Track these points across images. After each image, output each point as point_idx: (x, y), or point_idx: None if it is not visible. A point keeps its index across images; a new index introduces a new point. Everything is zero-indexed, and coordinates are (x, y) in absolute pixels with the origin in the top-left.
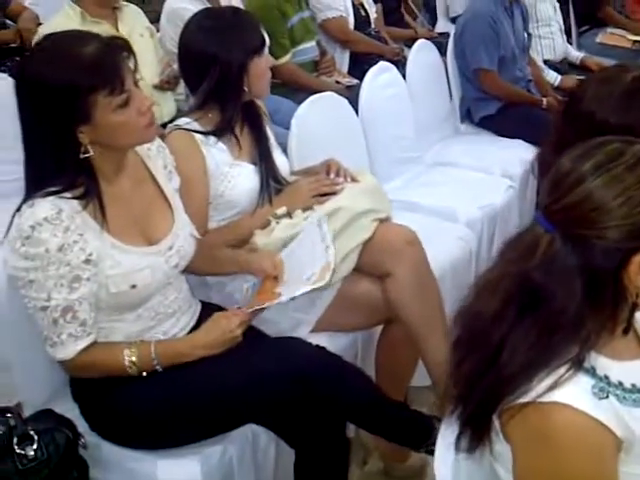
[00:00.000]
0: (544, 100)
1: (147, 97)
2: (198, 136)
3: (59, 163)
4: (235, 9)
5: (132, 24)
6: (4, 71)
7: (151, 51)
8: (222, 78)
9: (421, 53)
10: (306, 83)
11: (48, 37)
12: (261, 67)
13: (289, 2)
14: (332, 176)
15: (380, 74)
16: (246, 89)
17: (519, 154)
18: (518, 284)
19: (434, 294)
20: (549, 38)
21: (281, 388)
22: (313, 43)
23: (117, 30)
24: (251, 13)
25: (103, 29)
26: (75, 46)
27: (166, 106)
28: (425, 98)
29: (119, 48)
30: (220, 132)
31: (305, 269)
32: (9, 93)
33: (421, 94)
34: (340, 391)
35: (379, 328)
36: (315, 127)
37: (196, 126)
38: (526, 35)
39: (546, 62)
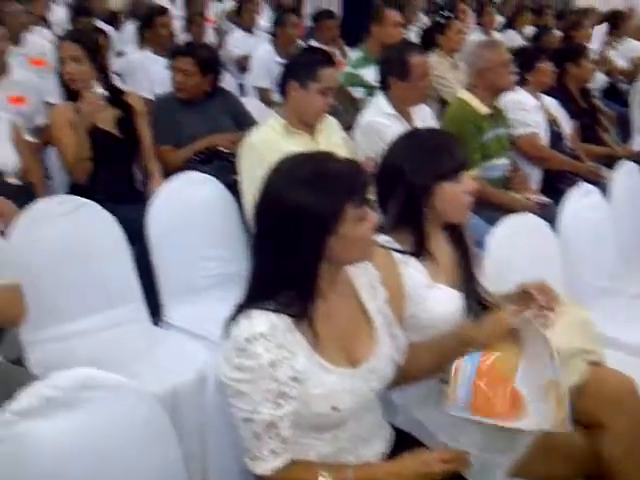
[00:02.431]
0: None
1: (375, 214)
2: (397, 255)
3: (292, 277)
4: (437, 131)
5: (329, 135)
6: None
7: None
8: (408, 199)
9: (626, 175)
10: (495, 199)
11: (291, 158)
12: (452, 192)
13: (486, 118)
14: (541, 300)
15: (582, 196)
16: (430, 212)
17: None
18: None
19: None
20: None
21: None
22: (505, 160)
23: (316, 141)
24: (455, 138)
25: (303, 140)
26: (325, 163)
27: None
28: (630, 224)
29: (359, 165)
30: (417, 252)
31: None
32: (217, 195)
33: (626, 219)
34: None
35: None
36: (510, 248)
37: (395, 245)
38: None
39: None
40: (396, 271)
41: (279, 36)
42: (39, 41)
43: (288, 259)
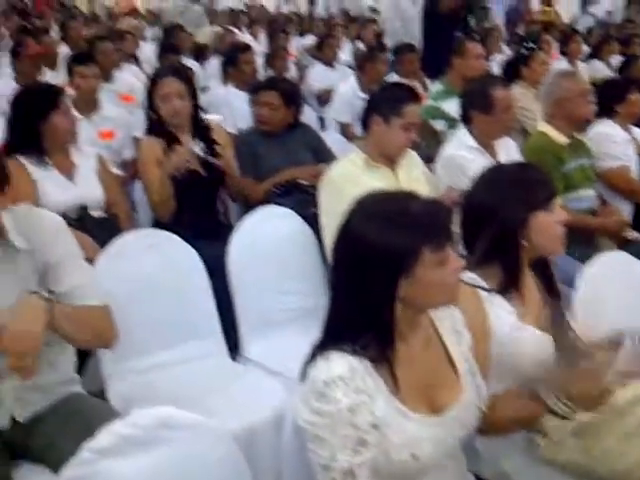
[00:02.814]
0: None
1: (458, 259)
2: (483, 293)
3: (367, 317)
4: (521, 164)
5: (409, 169)
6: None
7: (426, 194)
8: (500, 233)
9: None
10: (585, 225)
11: (371, 195)
12: (546, 222)
13: (565, 148)
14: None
15: None
16: (526, 244)
17: None
18: None
19: None
20: None
21: None
22: (591, 191)
23: (397, 175)
24: (539, 169)
25: (384, 174)
26: (403, 203)
27: None
28: None
29: (442, 206)
30: (505, 290)
31: None
32: (296, 229)
33: None
34: None
35: None
36: (603, 289)
37: (481, 282)
38: None
39: None
40: (482, 310)
41: (366, 72)
42: (128, 78)
43: (362, 299)
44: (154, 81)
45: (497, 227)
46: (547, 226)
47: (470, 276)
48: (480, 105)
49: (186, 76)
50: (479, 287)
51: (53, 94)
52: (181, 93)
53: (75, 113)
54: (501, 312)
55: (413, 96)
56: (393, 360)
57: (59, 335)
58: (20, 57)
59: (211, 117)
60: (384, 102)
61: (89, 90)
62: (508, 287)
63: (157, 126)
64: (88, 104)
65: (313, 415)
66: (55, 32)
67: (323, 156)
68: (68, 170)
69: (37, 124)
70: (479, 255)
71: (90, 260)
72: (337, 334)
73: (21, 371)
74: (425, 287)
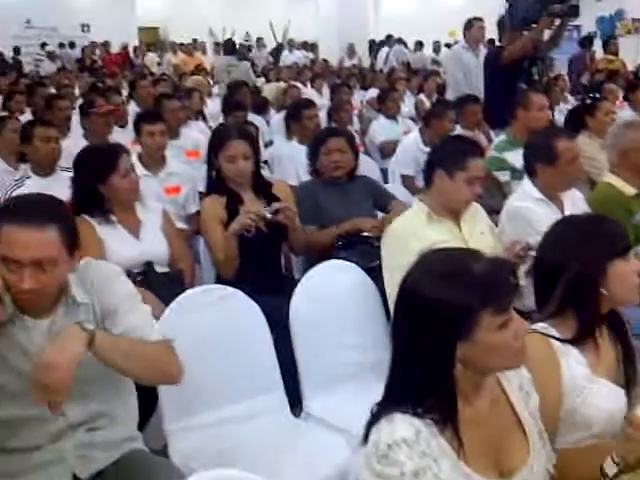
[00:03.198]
0: None
1: (523, 322)
2: (556, 343)
3: (427, 378)
4: (594, 216)
5: (473, 222)
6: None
7: (490, 248)
8: (579, 283)
9: None
10: None
11: (433, 252)
12: (624, 271)
13: (634, 199)
14: None
15: None
16: (605, 293)
17: None
18: None
19: None
20: None
21: None
22: None
23: (460, 229)
24: (614, 220)
25: (447, 227)
26: (465, 263)
27: None
28: None
29: (507, 268)
30: (579, 341)
31: None
32: (358, 282)
33: None
34: None
35: None
36: None
37: (554, 332)
38: None
39: None
40: (555, 361)
41: (431, 127)
42: (194, 134)
43: (421, 360)
44: (220, 142)
45: (575, 277)
46: (625, 275)
47: (543, 326)
48: (544, 157)
49: (251, 137)
50: (552, 337)
51: (111, 156)
52: (246, 154)
53: (142, 170)
54: (574, 364)
55: (476, 150)
56: (457, 422)
57: (113, 368)
58: (90, 116)
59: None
60: (447, 156)
61: (156, 148)
62: (583, 337)
63: (219, 184)
64: (155, 161)
65: (376, 478)
66: (125, 90)
67: (385, 200)
68: (134, 227)
69: (97, 185)
70: (554, 306)
71: (154, 317)
72: (399, 395)
73: (50, 404)
74: (486, 350)
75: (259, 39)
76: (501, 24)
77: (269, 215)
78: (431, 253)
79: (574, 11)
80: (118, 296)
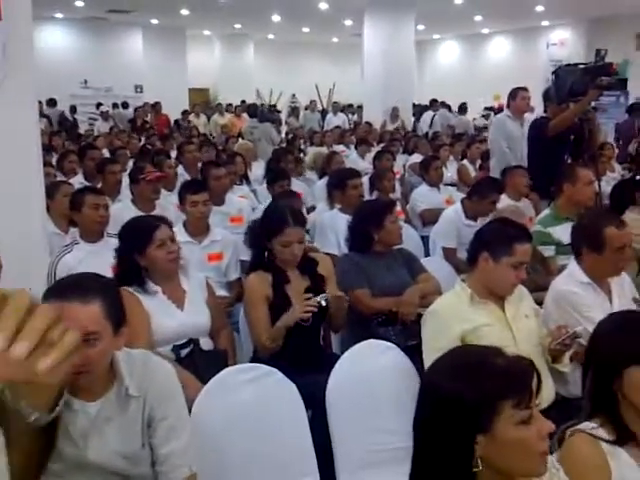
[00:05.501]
0: None
1: (549, 424)
2: (605, 445)
3: (446, 473)
4: (633, 312)
5: (518, 305)
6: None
7: (534, 330)
8: (598, 382)
9: None
10: None
11: (458, 349)
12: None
13: None
14: None
15: None
16: (621, 399)
17: None
18: None
19: None
20: None
21: None
22: None
23: (503, 311)
24: None
25: (490, 309)
26: (485, 357)
27: (546, 390)
28: None
29: (529, 365)
30: (621, 441)
31: None
32: (397, 363)
33: None
34: None
35: None
36: None
37: (601, 433)
38: None
39: None
40: (604, 464)
41: (473, 205)
42: (238, 200)
43: (441, 454)
44: (277, 228)
45: (595, 374)
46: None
47: (590, 425)
48: (591, 243)
49: (305, 222)
50: (601, 439)
51: (149, 228)
52: (301, 240)
53: (186, 236)
54: (624, 465)
55: (524, 235)
56: None
57: None
58: (139, 182)
59: None
60: (494, 240)
61: (199, 217)
62: (622, 437)
63: (267, 262)
64: (199, 228)
65: None
66: (174, 152)
67: (417, 272)
68: (179, 298)
69: (136, 257)
70: (588, 403)
71: (191, 399)
72: None
73: None
74: (507, 447)
75: (312, 101)
76: (546, 95)
77: (324, 303)
78: (455, 348)
79: (622, 84)
80: (171, 411)
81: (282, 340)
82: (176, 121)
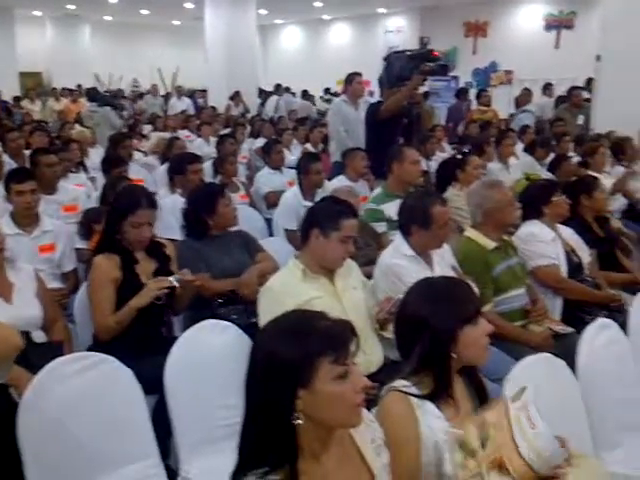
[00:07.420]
0: None
1: (364, 379)
2: (414, 400)
3: (270, 433)
4: (451, 279)
5: (347, 277)
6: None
7: (362, 301)
8: (432, 345)
9: None
10: (511, 336)
11: (287, 313)
12: (473, 336)
13: (494, 252)
14: None
15: (600, 332)
16: (455, 356)
17: None
18: None
19: None
20: None
21: None
22: (522, 290)
23: (334, 284)
24: (466, 284)
25: (321, 283)
26: (309, 319)
27: (375, 355)
28: None
29: (348, 327)
30: (436, 397)
31: None
32: (236, 341)
33: None
34: None
35: None
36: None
37: (413, 390)
38: None
39: None
40: (413, 416)
41: (303, 182)
42: (73, 188)
43: (263, 414)
44: (129, 208)
45: (429, 340)
46: (474, 340)
47: (403, 383)
48: (419, 221)
49: (156, 205)
50: (410, 394)
51: None
52: (151, 221)
53: (14, 228)
54: (431, 418)
55: (350, 211)
56: (302, 478)
57: None
58: None
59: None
60: (323, 217)
61: (26, 206)
62: (439, 394)
63: (114, 243)
64: (27, 219)
65: None
66: None
67: (254, 252)
68: (4, 291)
69: None
70: (414, 363)
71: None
72: (251, 456)
73: None
74: (324, 400)
75: (153, 86)
76: (381, 80)
77: (176, 284)
78: (282, 314)
79: (443, 70)
80: None
81: (128, 322)
82: (6, 107)
